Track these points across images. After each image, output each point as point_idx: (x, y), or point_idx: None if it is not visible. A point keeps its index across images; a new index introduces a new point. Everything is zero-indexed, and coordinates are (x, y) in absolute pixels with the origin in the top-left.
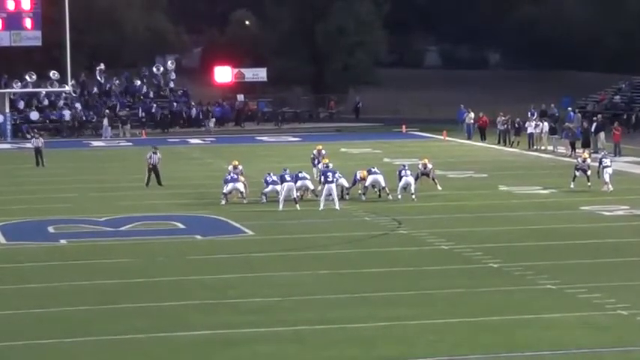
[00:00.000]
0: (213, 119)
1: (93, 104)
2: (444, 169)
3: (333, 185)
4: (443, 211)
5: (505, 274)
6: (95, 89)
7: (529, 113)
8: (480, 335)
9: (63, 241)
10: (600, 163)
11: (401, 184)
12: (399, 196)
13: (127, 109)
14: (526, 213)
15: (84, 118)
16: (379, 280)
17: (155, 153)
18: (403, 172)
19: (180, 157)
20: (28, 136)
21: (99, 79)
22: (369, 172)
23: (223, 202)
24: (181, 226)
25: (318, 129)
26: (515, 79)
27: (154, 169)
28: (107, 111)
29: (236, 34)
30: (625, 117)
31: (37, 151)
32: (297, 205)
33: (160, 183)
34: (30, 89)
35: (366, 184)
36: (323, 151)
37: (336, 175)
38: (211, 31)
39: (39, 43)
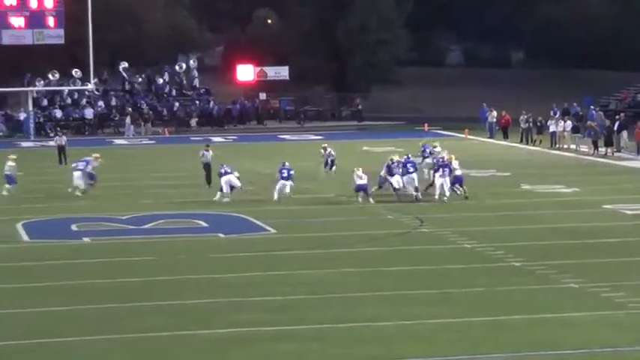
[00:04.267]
0: (195, 119)
1: (115, 102)
2: (467, 167)
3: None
4: (465, 210)
5: (527, 273)
6: (118, 87)
7: (552, 112)
8: (502, 334)
9: (86, 239)
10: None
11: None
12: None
13: (149, 107)
14: (548, 211)
15: (105, 113)
16: (401, 279)
17: (207, 150)
18: (442, 170)
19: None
20: (51, 134)
21: (124, 75)
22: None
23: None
24: (204, 224)
25: (340, 127)
26: (537, 77)
27: (206, 166)
28: (129, 109)
29: (258, 33)
30: None
31: (61, 149)
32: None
33: (208, 182)
34: (53, 87)
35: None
36: (330, 149)
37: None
38: (233, 30)
39: (61, 41)
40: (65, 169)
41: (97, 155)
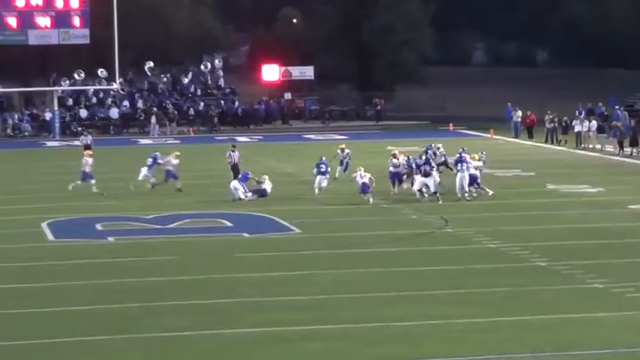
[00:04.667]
0: (215, 118)
1: (141, 102)
2: (491, 167)
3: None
4: (490, 210)
5: (552, 273)
6: (144, 87)
7: (577, 112)
8: (527, 334)
9: (111, 239)
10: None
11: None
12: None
13: (174, 107)
14: (573, 211)
15: (130, 112)
16: (426, 279)
17: (234, 151)
18: (459, 165)
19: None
20: (82, 132)
21: (149, 74)
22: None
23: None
24: (228, 223)
25: (365, 127)
26: (562, 77)
27: (234, 167)
28: (155, 109)
29: (283, 32)
30: None
31: (87, 148)
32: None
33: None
34: (78, 87)
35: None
36: (347, 150)
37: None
38: (258, 29)
39: (87, 41)
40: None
41: (178, 153)
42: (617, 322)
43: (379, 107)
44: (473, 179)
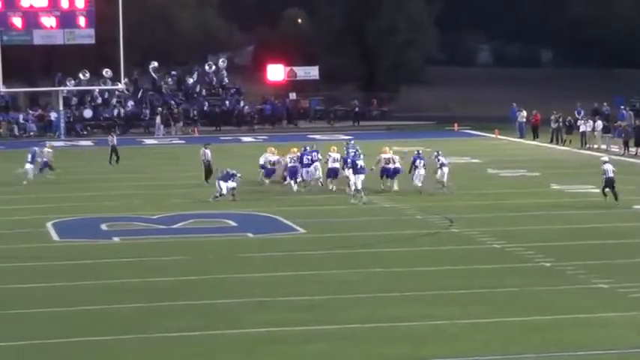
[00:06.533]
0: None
1: (145, 102)
2: (496, 167)
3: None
4: (495, 210)
5: (557, 273)
6: (148, 86)
7: (576, 112)
8: (532, 334)
9: (116, 239)
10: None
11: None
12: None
13: (179, 106)
14: (578, 212)
15: (135, 112)
16: (430, 279)
17: (207, 149)
18: (418, 161)
19: (232, 154)
20: (85, 133)
21: (153, 75)
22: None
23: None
24: (233, 223)
25: (370, 127)
26: (567, 77)
27: (207, 165)
28: (160, 109)
29: (288, 32)
30: None
31: (113, 149)
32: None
33: (207, 179)
34: (83, 87)
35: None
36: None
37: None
38: (263, 29)
39: (92, 41)
40: (115, 167)
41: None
42: (623, 322)
43: (357, 109)
44: (333, 172)
